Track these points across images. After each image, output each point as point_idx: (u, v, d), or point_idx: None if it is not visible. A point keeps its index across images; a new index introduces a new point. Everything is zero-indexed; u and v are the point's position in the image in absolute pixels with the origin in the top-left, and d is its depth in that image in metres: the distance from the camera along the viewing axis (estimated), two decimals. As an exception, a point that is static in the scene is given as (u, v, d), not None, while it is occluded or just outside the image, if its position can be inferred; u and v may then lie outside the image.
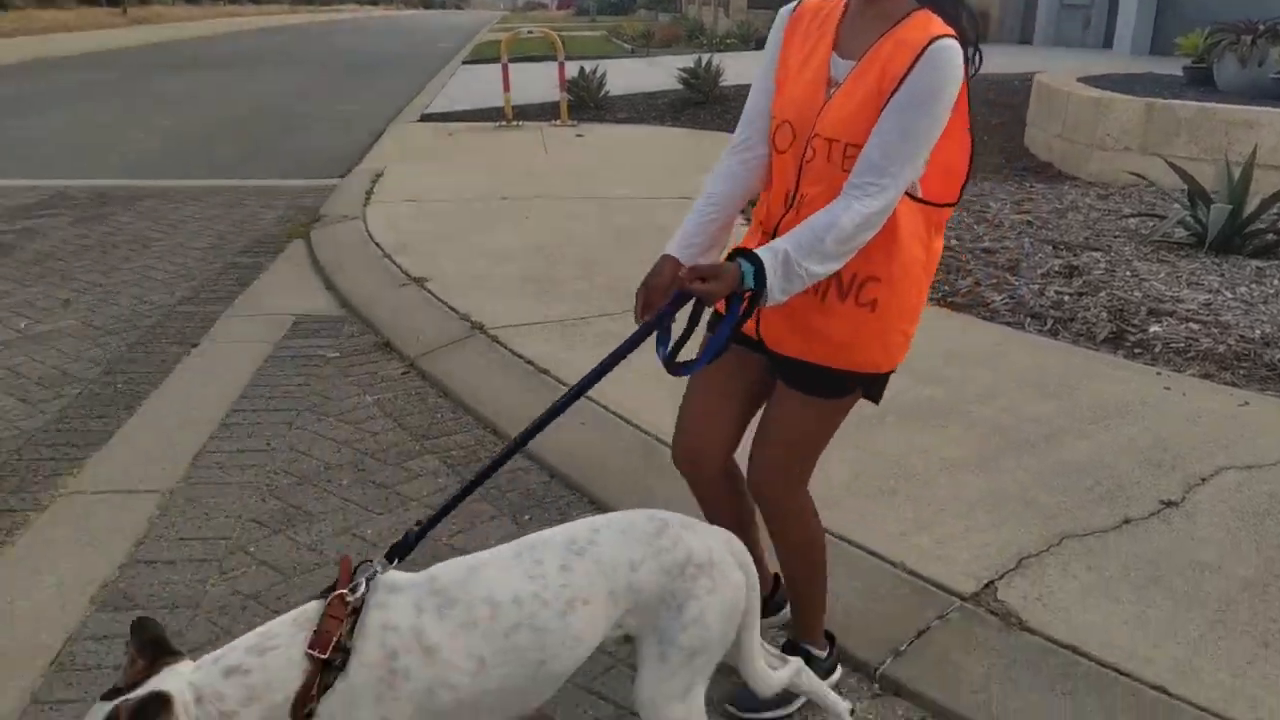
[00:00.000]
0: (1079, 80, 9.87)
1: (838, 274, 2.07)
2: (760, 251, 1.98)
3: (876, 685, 2.51)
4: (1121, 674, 2.41)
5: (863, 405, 2.28)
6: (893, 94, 1.94)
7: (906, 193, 2.03)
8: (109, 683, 1.65)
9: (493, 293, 5.18)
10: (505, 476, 3.53)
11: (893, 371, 2.24)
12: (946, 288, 5.35)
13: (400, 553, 1.87)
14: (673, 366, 2.08)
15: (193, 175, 9.13)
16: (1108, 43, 22.13)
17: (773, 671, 2.15)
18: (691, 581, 1.88)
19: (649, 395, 3.88)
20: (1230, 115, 7.98)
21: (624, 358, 2.05)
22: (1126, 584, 2.75)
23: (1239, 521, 3.06)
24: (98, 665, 2.57)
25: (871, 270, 2.08)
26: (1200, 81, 10.72)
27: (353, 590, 1.72)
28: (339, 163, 9.57)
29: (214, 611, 2.78)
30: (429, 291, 5.20)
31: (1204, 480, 3.32)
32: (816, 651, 2.47)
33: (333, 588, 1.74)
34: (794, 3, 2.23)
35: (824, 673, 2.44)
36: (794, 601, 2.49)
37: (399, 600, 1.74)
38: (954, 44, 1.93)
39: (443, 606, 1.74)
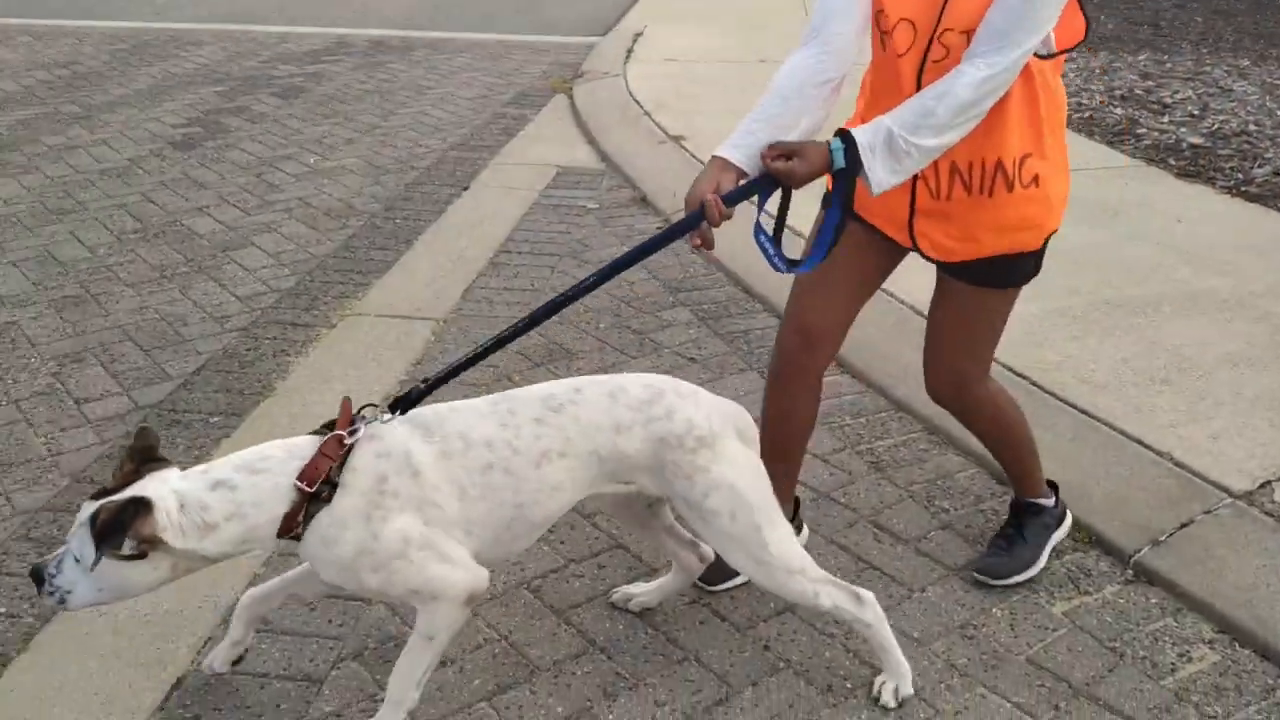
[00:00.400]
0: None
1: (1001, 165, 1.98)
2: (856, 130, 1.86)
3: (1129, 572, 2.44)
4: None
5: (1133, 295, 2.17)
6: None
7: (1035, 52, 1.87)
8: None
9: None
10: (755, 333, 3.57)
11: (1056, 230, 2.13)
12: (1240, 175, 4.92)
13: (403, 406, 1.88)
14: (784, 265, 1.98)
15: (463, 28, 9.42)
16: None
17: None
18: (692, 454, 1.88)
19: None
20: None
21: (665, 245, 2.00)
22: None
23: None
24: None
25: (1026, 148, 1.99)
26: None
27: (351, 434, 1.79)
28: (599, 22, 9.63)
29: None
30: (686, 150, 5.23)
31: None
32: (1043, 501, 2.46)
33: (331, 424, 1.82)
34: None
35: (1054, 521, 2.46)
36: (1006, 467, 2.47)
37: (391, 430, 1.81)
38: None
39: (425, 435, 1.81)
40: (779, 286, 3.79)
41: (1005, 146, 1.97)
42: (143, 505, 1.65)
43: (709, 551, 2.21)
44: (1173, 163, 5.14)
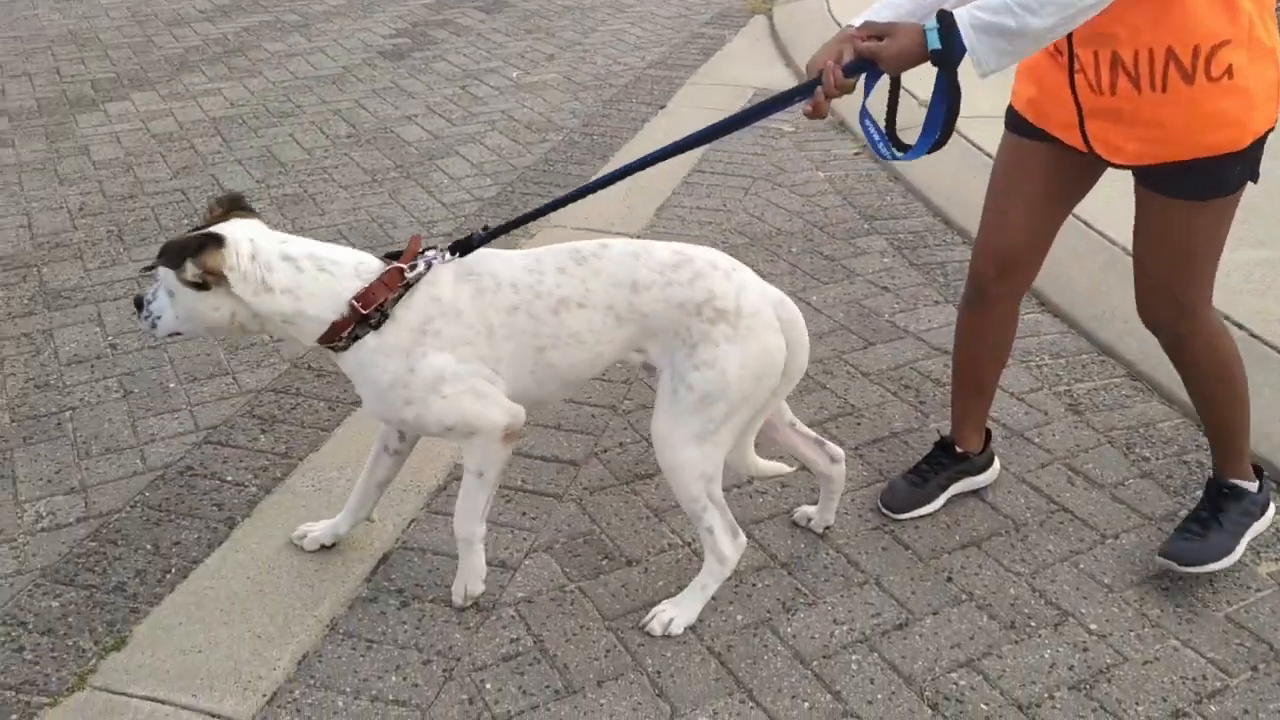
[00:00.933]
0: None
1: (1174, 54, 1.74)
2: (959, 10, 1.68)
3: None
4: None
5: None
6: None
7: None
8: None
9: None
10: (951, 265, 3.48)
11: (1273, 129, 1.87)
12: None
13: (463, 249, 1.92)
14: (887, 151, 1.86)
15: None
16: None
17: (759, 461, 2.17)
18: (709, 324, 1.85)
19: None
20: None
21: (779, 110, 1.90)
22: None
23: None
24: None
25: (1214, 35, 1.74)
26: None
27: (412, 268, 1.86)
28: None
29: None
30: (890, 75, 5.08)
31: None
32: (1246, 484, 2.24)
33: (397, 255, 1.90)
34: None
35: (1257, 509, 2.24)
36: (1212, 432, 2.25)
37: (444, 274, 1.89)
38: None
39: (466, 274, 1.90)
40: (979, 217, 3.69)
41: (1181, 32, 1.74)
42: (214, 239, 1.78)
43: (837, 451, 2.21)
44: None
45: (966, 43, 1.66)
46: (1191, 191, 1.90)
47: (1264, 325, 2.92)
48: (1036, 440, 2.62)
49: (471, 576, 2.08)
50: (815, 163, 4.36)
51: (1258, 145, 1.86)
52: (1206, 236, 1.96)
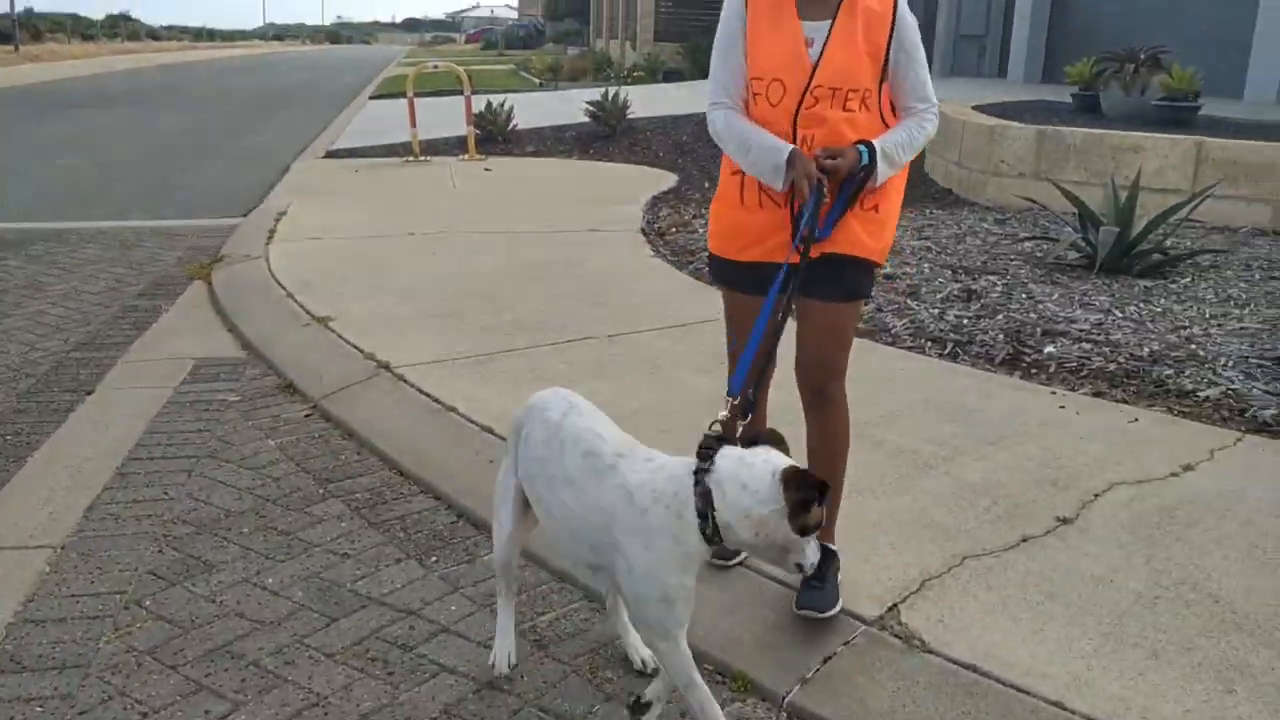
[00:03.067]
0: (974, 108, 10.18)
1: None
2: (876, 141, 2.61)
3: (785, 714, 2.52)
4: (1021, 691, 2.46)
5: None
6: (888, 46, 2.62)
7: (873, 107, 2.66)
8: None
9: (398, 331, 5.13)
10: (411, 518, 3.48)
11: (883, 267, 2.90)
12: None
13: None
14: (813, 234, 2.60)
15: (90, 216, 8.87)
16: (1002, 71, 22.86)
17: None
18: None
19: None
20: (1116, 141, 8.30)
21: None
22: (1025, 602, 2.81)
23: (1130, 535, 3.16)
24: (-19, 733, 2.46)
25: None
26: (1089, 108, 11.14)
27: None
28: (242, 201, 9.41)
29: (106, 671, 2.68)
30: (333, 331, 5.13)
31: (1097, 496, 3.42)
32: (833, 547, 2.83)
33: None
34: None
35: (838, 566, 2.82)
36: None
37: None
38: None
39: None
40: (438, 466, 3.76)
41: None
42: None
43: None
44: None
45: (879, 165, 2.61)
46: (849, 290, 2.77)
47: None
48: (506, 687, 2.62)
49: None
50: (264, 430, 4.21)
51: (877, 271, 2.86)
52: (856, 321, 2.88)
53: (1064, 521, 3.25)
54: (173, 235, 8.12)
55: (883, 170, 2.62)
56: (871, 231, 2.72)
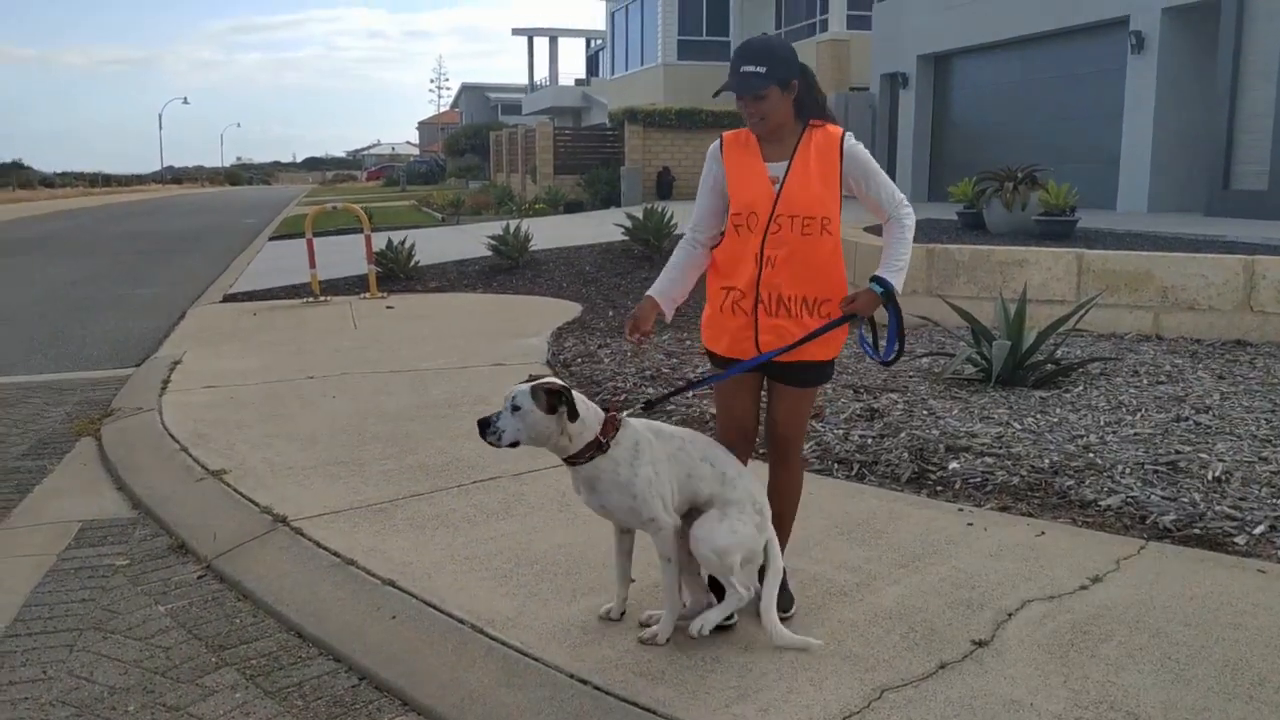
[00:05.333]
0: (865, 230, 10.51)
1: (808, 300, 3.23)
2: (886, 275, 3.22)
3: None
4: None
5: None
6: (841, 172, 3.19)
7: (833, 231, 3.21)
8: None
9: (297, 481, 4.97)
10: (309, 684, 3.30)
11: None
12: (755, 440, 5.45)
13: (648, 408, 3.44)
14: (878, 354, 3.44)
15: (-30, 374, 8.54)
16: (890, 191, 23.73)
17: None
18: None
19: (467, 579, 3.77)
20: (1003, 256, 8.63)
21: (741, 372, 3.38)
22: (947, 733, 2.76)
23: (1045, 655, 3.14)
24: None
25: (832, 295, 3.26)
26: (973, 225, 11.61)
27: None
28: (135, 351, 9.18)
29: None
30: (227, 484, 4.94)
31: (1010, 615, 3.41)
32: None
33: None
34: (718, 140, 3.35)
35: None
36: (783, 538, 3.46)
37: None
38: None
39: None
40: (337, 625, 3.60)
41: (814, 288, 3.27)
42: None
43: None
44: (699, 434, 5.61)
45: (896, 292, 3.24)
46: (813, 380, 3.42)
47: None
48: None
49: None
50: (154, 596, 4.00)
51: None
52: (813, 401, 3.56)
53: (980, 644, 3.22)
54: (61, 390, 7.84)
55: (900, 282, 3.24)
56: (832, 338, 3.32)
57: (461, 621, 3.44)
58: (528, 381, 3.09)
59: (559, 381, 3.07)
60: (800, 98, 3.23)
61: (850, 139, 3.23)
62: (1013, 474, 4.78)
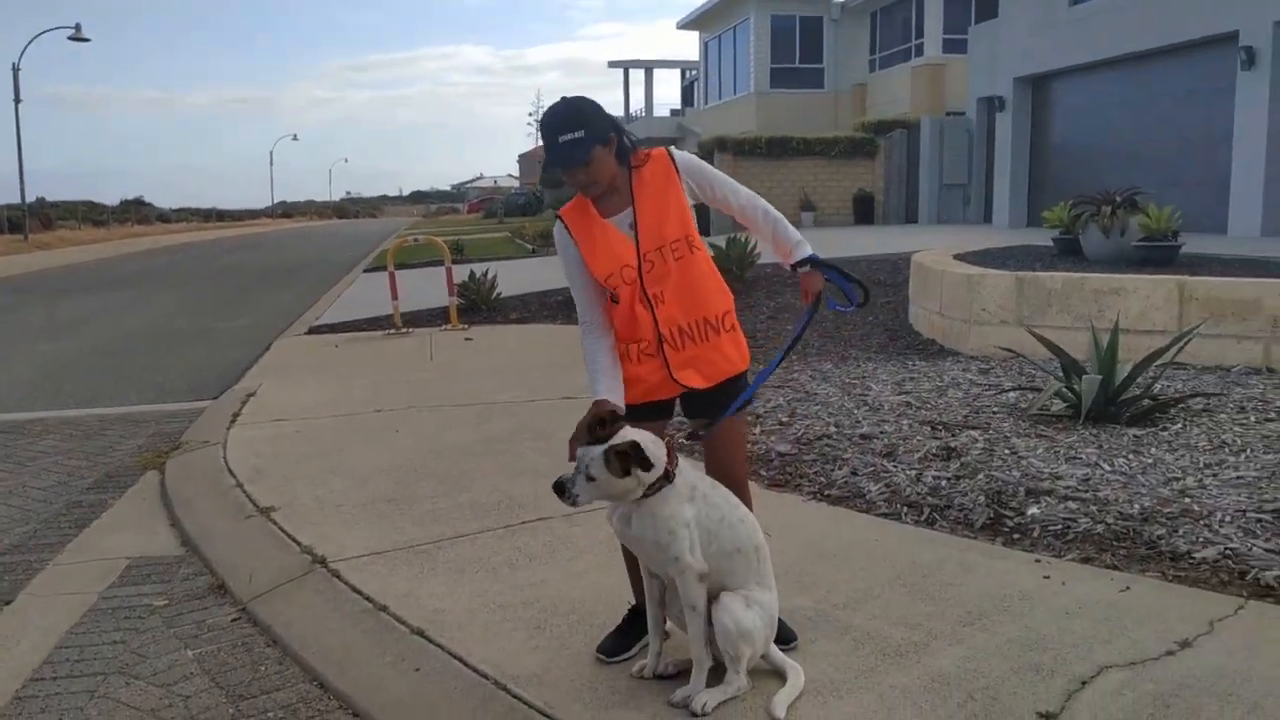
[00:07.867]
0: (955, 257, 10.12)
1: (708, 320, 3.20)
2: (798, 253, 3.26)
3: None
4: None
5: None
6: (682, 185, 3.18)
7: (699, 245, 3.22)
8: None
9: (344, 519, 4.85)
10: (323, 741, 3.14)
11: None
12: (823, 480, 5.17)
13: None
14: (856, 303, 3.33)
15: (61, 405, 8.73)
16: (987, 218, 23.15)
17: None
18: None
19: (499, 628, 3.58)
20: (1097, 284, 8.17)
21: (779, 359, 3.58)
22: (1001, 824, 2.45)
23: (1121, 733, 2.80)
24: None
25: (725, 305, 3.25)
26: (1070, 251, 11.09)
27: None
28: (218, 383, 9.28)
29: None
30: (274, 522, 4.84)
31: (1084, 684, 3.06)
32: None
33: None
34: (557, 222, 3.23)
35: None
36: None
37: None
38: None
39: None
40: (359, 677, 3.43)
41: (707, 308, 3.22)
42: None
43: None
44: (764, 473, 5.34)
45: (810, 251, 3.26)
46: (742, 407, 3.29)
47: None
48: None
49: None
50: (184, 640, 3.89)
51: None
52: (747, 434, 3.81)
53: (1047, 717, 2.89)
54: (138, 422, 7.93)
55: (809, 248, 3.28)
56: (738, 344, 3.28)
57: (485, 677, 3.24)
58: (596, 443, 2.92)
59: (630, 435, 2.91)
60: (619, 147, 3.14)
61: (675, 150, 3.23)
62: (1098, 521, 4.39)
